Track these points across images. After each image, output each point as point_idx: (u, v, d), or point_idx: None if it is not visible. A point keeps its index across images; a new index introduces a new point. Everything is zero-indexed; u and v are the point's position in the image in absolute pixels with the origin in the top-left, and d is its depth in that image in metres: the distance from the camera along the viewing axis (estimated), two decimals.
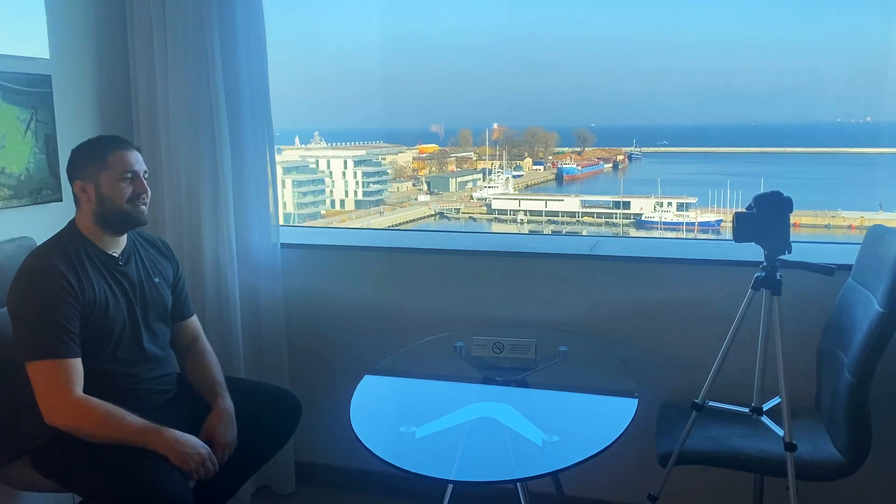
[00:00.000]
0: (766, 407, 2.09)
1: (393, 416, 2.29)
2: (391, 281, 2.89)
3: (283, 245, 2.90)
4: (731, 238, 2.08)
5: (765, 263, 2.05)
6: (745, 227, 2.02)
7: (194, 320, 2.30)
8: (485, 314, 2.77)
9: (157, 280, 2.10)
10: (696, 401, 2.08)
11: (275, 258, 2.85)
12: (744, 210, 2.06)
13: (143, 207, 2.00)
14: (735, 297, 2.22)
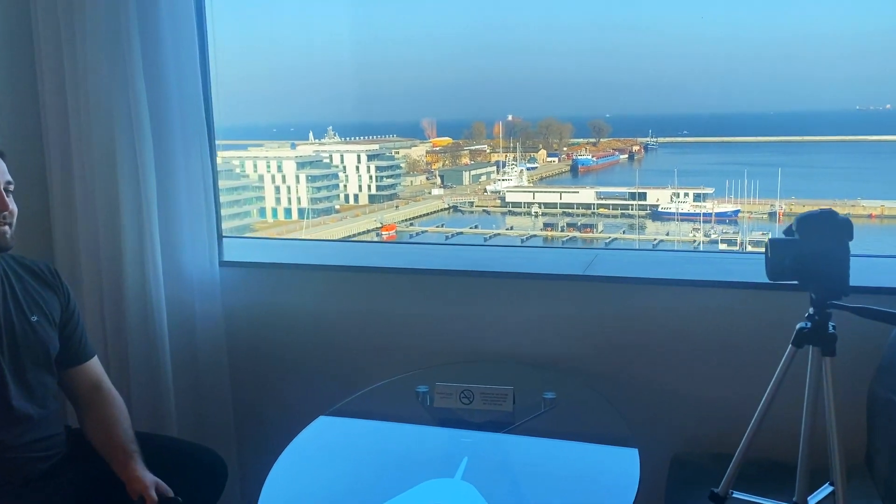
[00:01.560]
0: (813, 502, 1.67)
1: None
2: (352, 305, 2.61)
3: (225, 264, 2.59)
4: (764, 269, 1.59)
5: (811, 311, 1.60)
6: (783, 259, 1.53)
7: (94, 364, 1.97)
8: (458, 345, 2.48)
9: (34, 319, 1.77)
10: (716, 490, 1.75)
11: (213, 280, 2.53)
12: (782, 236, 1.56)
13: (5, 228, 1.72)
14: (763, 328, 1.96)
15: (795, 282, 1.54)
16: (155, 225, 2.40)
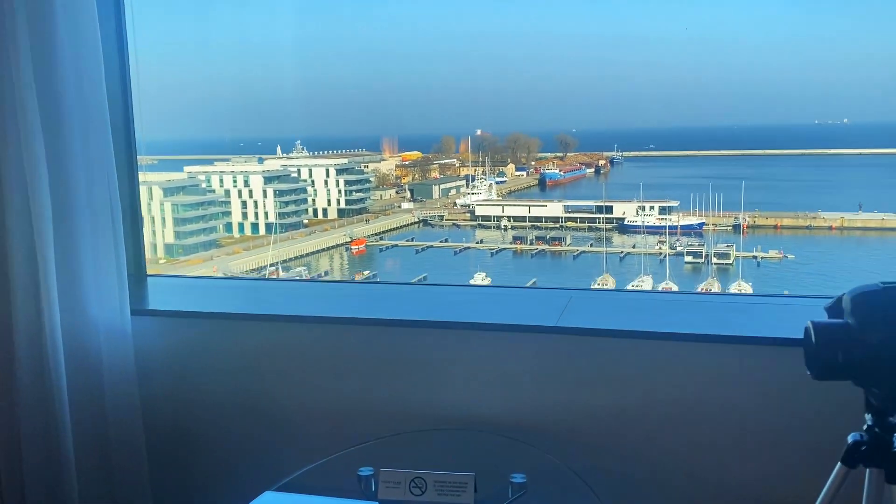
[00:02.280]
0: None
1: None
2: (293, 362, 2.28)
3: (139, 312, 2.22)
4: (804, 359, 1.20)
5: (870, 422, 1.23)
6: (833, 351, 1.14)
7: None
8: (412, 407, 2.17)
9: None
10: None
11: (123, 333, 2.16)
12: (825, 319, 1.18)
13: None
14: (778, 393, 1.62)
15: (850, 381, 1.15)
16: (51, 268, 2.04)
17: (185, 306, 2.39)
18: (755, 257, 78.51)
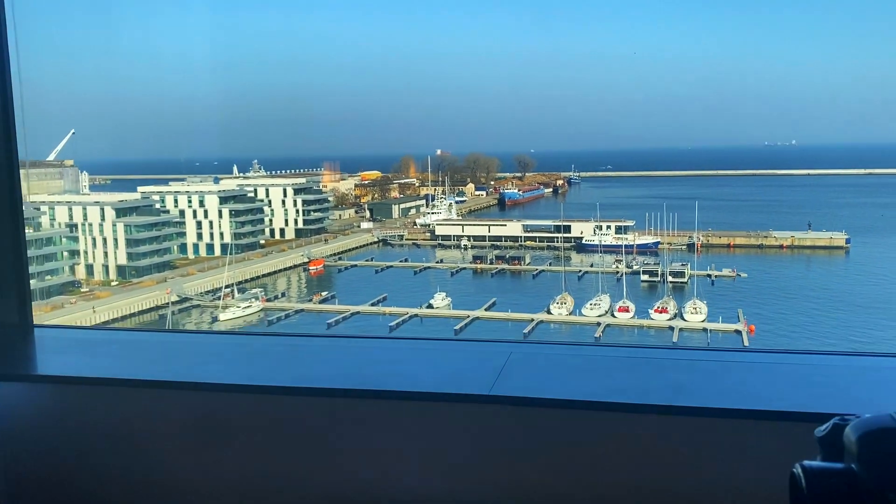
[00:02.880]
0: None
1: None
2: (182, 434, 1.91)
3: (6, 378, 1.85)
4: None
5: None
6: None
7: None
8: (319, 487, 1.83)
9: None
10: None
11: None
12: (819, 462, 0.86)
13: None
14: (758, 471, 1.40)
15: None
16: None
17: (67, 367, 2.03)
18: (709, 276, 79.68)
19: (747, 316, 48.73)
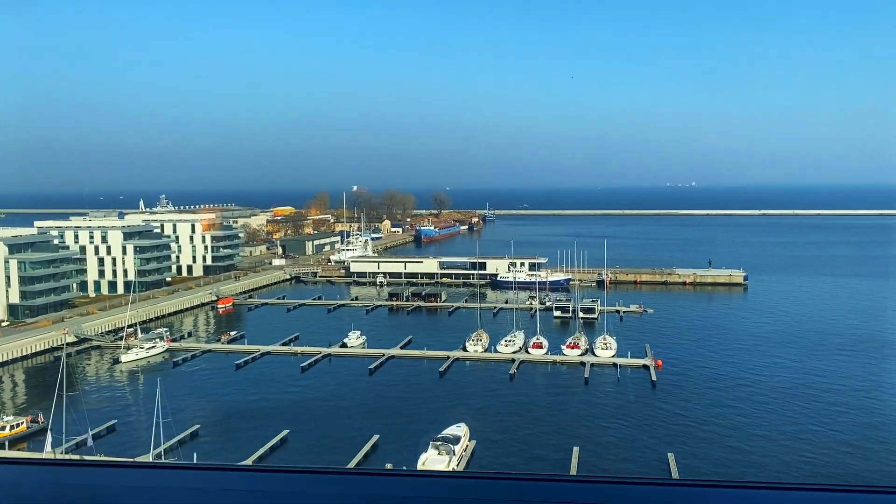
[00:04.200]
0: None
1: None
2: None
3: None
4: None
5: None
6: None
7: None
8: None
9: None
10: None
11: None
12: None
13: None
14: None
15: None
16: None
17: None
18: (618, 311, 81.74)
19: (654, 351, 50.06)
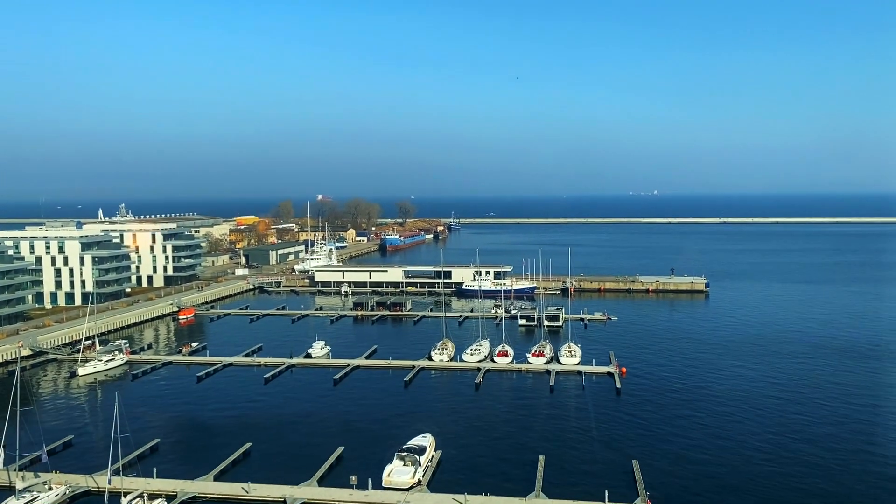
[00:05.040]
0: None
1: None
2: None
3: None
4: None
5: None
6: None
7: None
8: None
9: None
10: None
11: None
12: None
13: None
14: None
15: None
16: None
17: None
18: (582, 319, 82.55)
19: (619, 358, 50.45)
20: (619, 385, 43.73)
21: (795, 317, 67.35)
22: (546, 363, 49.24)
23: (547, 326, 61.25)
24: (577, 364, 48.83)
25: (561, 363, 49.16)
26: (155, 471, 29.40)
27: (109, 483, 26.70)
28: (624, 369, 46.63)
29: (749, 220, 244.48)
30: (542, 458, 31.56)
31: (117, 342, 54.54)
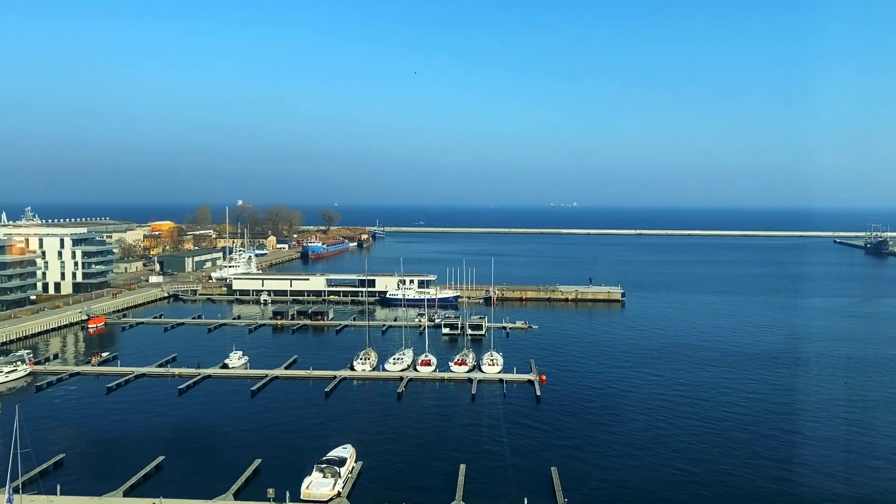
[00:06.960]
0: None
1: None
2: None
3: None
4: None
5: None
6: None
7: None
8: None
9: None
10: None
11: None
12: None
13: None
14: None
15: None
16: None
17: None
18: (504, 328, 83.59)
19: (539, 366, 51.35)
20: (538, 392, 44.49)
21: (707, 325, 70.24)
22: (468, 371, 49.56)
23: (470, 335, 61.76)
24: (499, 372, 49.39)
25: (483, 371, 49.58)
26: (58, 487, 28.01)
27: (10, 502, 25.23)
28: (544, 377, 47.48)
29: (664, 232, 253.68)
30: (462, 467, 31.76)
31: (20, 352, 51.67)
